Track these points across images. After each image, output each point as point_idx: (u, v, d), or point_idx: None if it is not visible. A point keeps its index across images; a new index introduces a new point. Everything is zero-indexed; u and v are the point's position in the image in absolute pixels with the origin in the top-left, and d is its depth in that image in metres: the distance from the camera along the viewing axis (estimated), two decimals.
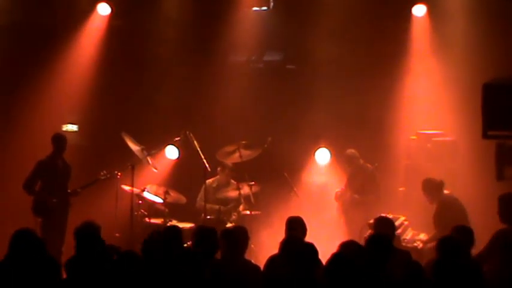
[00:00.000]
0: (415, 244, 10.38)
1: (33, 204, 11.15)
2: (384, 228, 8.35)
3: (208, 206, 11.66)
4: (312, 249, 6.86)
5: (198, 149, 11.57)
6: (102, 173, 11.33)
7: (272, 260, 7.73)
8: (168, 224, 10.86)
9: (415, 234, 10.75)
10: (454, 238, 7.54)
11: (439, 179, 10.75)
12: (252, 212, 11.80)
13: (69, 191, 11.29)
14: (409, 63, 12.91)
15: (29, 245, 7.07)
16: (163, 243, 7.57)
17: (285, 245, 7.18)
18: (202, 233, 7.78)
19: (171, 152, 12.22)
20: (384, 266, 6.95)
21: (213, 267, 7.35)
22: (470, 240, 8.01)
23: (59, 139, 11.34)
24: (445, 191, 10.73)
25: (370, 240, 7.25)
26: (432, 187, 10.71)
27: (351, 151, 12.33)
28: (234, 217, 11.85)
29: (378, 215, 9.25)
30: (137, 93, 13.37)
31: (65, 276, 7.11)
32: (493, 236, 8.55)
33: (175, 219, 11.54)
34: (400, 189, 12.35)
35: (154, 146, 11.83)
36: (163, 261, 7.29)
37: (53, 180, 11.18)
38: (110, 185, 11.55)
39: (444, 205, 10.48)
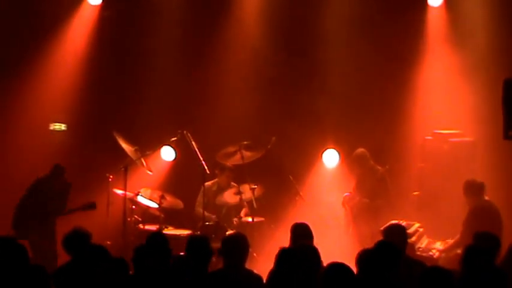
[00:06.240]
0: (431, 253, 10.25)
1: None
2: (395, 236, 7.98)
3: (206, 214, 11.56)
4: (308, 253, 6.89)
5: (196, 149, 11.39)
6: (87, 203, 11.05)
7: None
8: (156, 230, 10.82)
9: (431, 242, 10.63)
10: (480, 249, 7.19)
11: (480, 181, 10.54)
12: (255, 219, 11.67)
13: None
14: (424, 56, 12.77)
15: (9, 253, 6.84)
16: (150, 252, 7.39)
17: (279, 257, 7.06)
18: (194, 242, 7.57)
19: (167, 153, 12.07)
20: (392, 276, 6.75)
21: (214, 278, 7.25)
22: (495, 249, 7.73)
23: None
24: (486, 198, 10.52)
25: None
26: (470, 190, 10.48)
27: (361, 150, 12.08)
28: (235, 223, 11.73)
29: (389, 221, 9.22)
30: (130, 89, 13.27)
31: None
32: (509, 247, 8.10)
33: (172, 225, 11.52)
34: (415, 193, 12.14)
35: (148, 146, 11.69)
36: (154, 270, 7.13)
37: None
38: (101, 189, 11.45)
39: (475, 211, 10.26)
